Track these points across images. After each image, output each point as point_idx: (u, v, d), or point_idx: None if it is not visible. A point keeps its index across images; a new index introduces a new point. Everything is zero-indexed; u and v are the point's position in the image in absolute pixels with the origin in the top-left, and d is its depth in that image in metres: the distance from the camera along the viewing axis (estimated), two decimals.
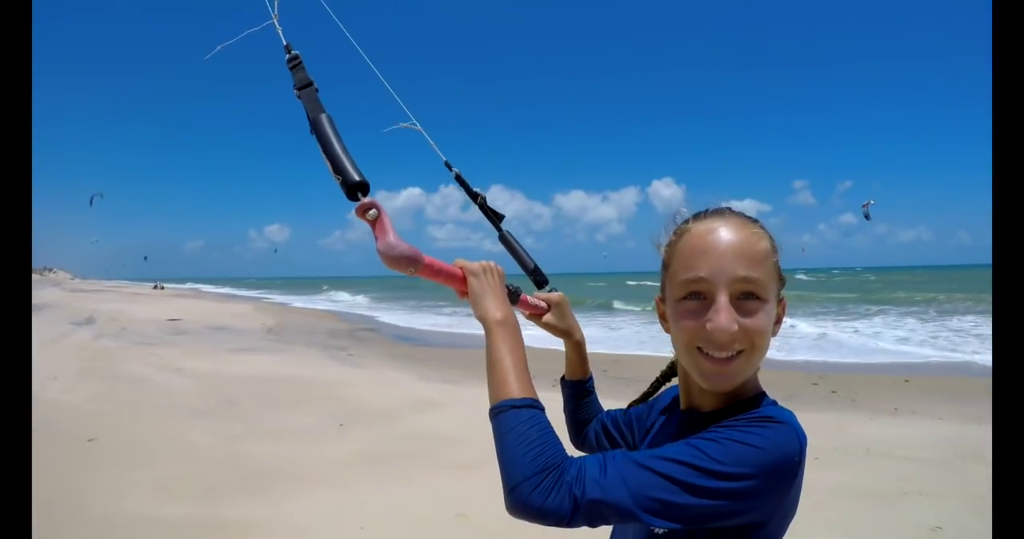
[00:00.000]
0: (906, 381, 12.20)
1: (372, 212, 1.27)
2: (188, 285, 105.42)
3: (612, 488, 0.99)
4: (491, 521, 4.61)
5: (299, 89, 1.47)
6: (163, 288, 75.09)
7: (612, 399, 1.95)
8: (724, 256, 1.13)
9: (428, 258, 1.33)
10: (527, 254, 1.81)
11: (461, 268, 1.38)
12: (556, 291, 1.76)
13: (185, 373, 11.84)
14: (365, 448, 6.93)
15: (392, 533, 4.77)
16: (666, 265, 1.26)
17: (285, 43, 1.58)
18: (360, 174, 1.30)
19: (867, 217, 18.61)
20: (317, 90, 1.48)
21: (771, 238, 1.21)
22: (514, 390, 1.16)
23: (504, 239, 1.83)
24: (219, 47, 1.83)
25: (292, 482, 5.82)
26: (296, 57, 1.54)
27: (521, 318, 1.49)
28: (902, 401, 10.26)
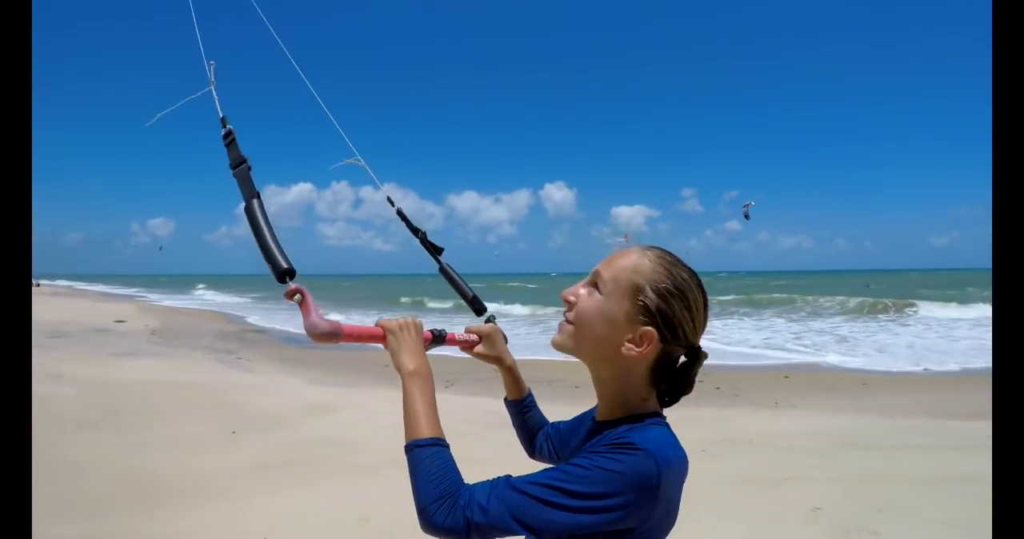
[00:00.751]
0: (786, 377, 12.99)
1: (298, 296, 1.42)
2: (63, 282, 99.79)
3: (494, 511, 1.19)
4: (393, 524, 4.62)
5: (234, 168, 1.59)
6: (39, 285, 70.35)
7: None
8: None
9: (347, 327, 1.48)
10: (466, 285, 1.97)
11: (381, 327, 1.52)
12: (493, 320, 1.92)
13: (65, 380, 11.14)
14: (261, 456, 6.80)
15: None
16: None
17: (221, 116, 1.68)
18: (288, 261, 1.44)
19: (747, 217, 19.44)
20: (250, 168, 1.59)
21: (674, 281, 1.37)
22: (423, 431, 1.35)
23: (444, 271, 1.99)
24: (159, 115, 2.02)
25: (188, 495, 5.63)
26: (231, 133, 1.65)
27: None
28: (782, 396, 10.89)
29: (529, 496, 1.20)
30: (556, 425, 1.78)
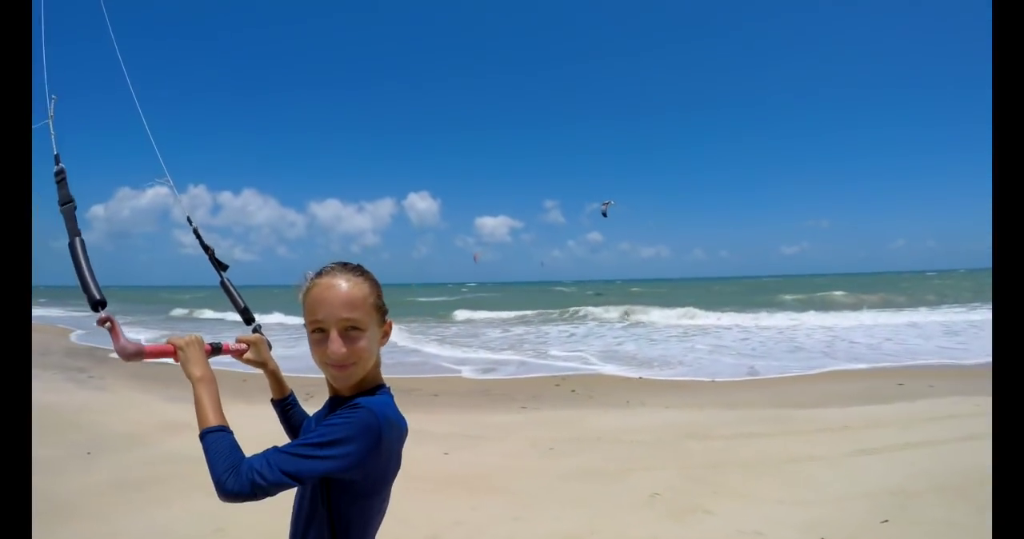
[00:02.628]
0: (640, 378, 13.70)
1: (108, 324, 1.78)
2: None
3: (268, 472, 1.52)
4: (249, 533, 4.78)
5: (61, 205, 1.95)
6: None
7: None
8: (333, 304, 1.69)
9: (148, 347, 1.83)
10: (240, 298, 2.32)
11: (172, 344, 1.84)
12: (259, 330, 2.25)
13: None
14: (117, 475, 6.67)
15: None
16: (303, 308, 1.77)
17: (55, 153, 2.02)
18: (100, 293, 1.81)
19: (604, 215, 20.18)
20: (75, 207, 1.95)
21: (371, 283, 1.78)
22: (211, 421, 1.67)
23: (223, 285, 2.35)
24: None
25: (48, 516, 5.42)
26: (62, 171, 2.00)
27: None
28: (634, 396, 11.50)
29: (291, 454, 1.55)
30: (316, 414, 2.07)
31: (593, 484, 6.24)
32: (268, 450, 1.59)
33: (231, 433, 1.67)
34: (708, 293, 62.12)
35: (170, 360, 1.87)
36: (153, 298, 70.66)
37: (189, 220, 2.37)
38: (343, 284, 1.72)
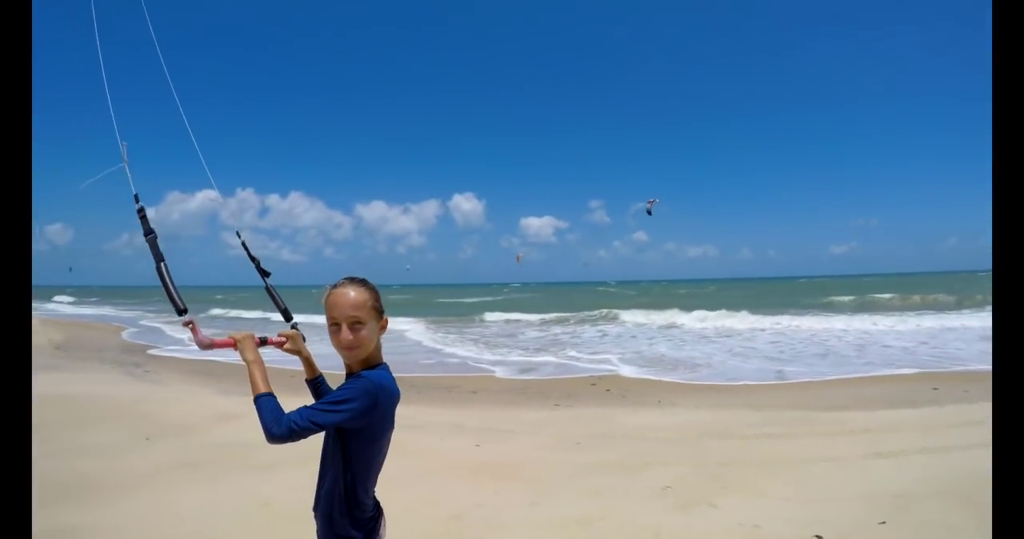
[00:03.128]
0: (673, 381, 13.96)
1: (189, 325, 2.44)
2: None
3: (299, 420, 2.18)
4: (292, 507, 5.18)
5: (145, 236, 2.61)
6: None
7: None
8: (342, 305, 2.37)
9: (217, 341, 2.51)
10: (281, 299, 2.94)
11: (232, 338, 2.49)
12: (296, 327, 2.85)
13: None
14: (174, 458, 7.30)
15: (207, 524, 5.33)
16: (324, 308, 2.40)
17: (135, 193, 2.65)
18: (182, 303, 2.50)
19: (649, 213, 20.14)
20: (157, 237, 2.60)
21: (370, 292, 2.45)
22: (260, 389, 2.32)
23: (267, 289, 2.97)
24: (85, 183, 3.02)
25: (113, 491, 6.13)
26: (142, 209, 2.64)
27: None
28: (667, 396, 11.76)
29: (315, 409, 2.24)
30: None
31: (610, 476, 6.55)
32: (300, 408, 2.26)
33: (275, 397, 2.31)
34: (753, 294, 61.28)
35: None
36: (203, 298, 72.62)
37: (238, 234, 2.96)
38: (351, 293, 2.41)
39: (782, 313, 31.85)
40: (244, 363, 2.44)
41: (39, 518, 5.32)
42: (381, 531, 2.57)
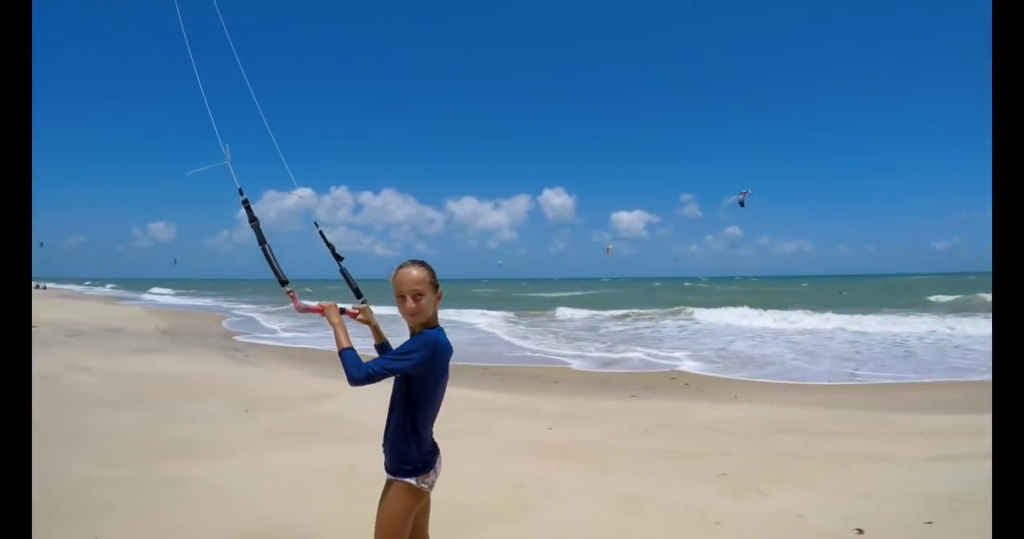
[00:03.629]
0: (753, 379, 13.93)
1: (290, 293, 3.16)
2: (73, 286, 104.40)
3: (375, 367, 2.83)
4: (375, 471, 5.67)
5: (250, 222, 3.32)
6: (45, 288, 71.46)
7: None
8: (406, 281, 2.99)
9: (312, 307, 3.21)
10: (352, 280, 3.53)
11: (321, 306, 3.20)
12: (366, 302, 3.43)
13: (92, 372, 12.37)
14: (270, 428, 8.05)
15: (296, 480, 6.01)
16: (392, 284, 3.04)
17: (239, 187, 3.36)
18: (284, 275, 3.25)
19: (742, 205, 19.94)
20: (259, 223, 3.32)
21: (428, 270, 3.06)
22: (343, 344, 2.97)
23: (342, 271, 3.55)
24: (190, 172, 3.67)
25: (215, 450, 6.94)
26: (247, 200, 3.37)
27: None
28: (744, 392, 11.83)
29: (388, 359, 2.91)
30: None
31: (671, 462, 6.82)
32: (376, 358, 3.01)
33: (355, 351, 2.97)
34: (847, 292, 59.65)
35: (319, 316, 3.25)
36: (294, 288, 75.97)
37: (316, 224, 3.60)
38: (413, 271, 3.03)
39: (874, 312, 30.90)
40: (331, 326, 3.12)
41: (155, 472, 6.07)
42: (437, 466, 3.14)
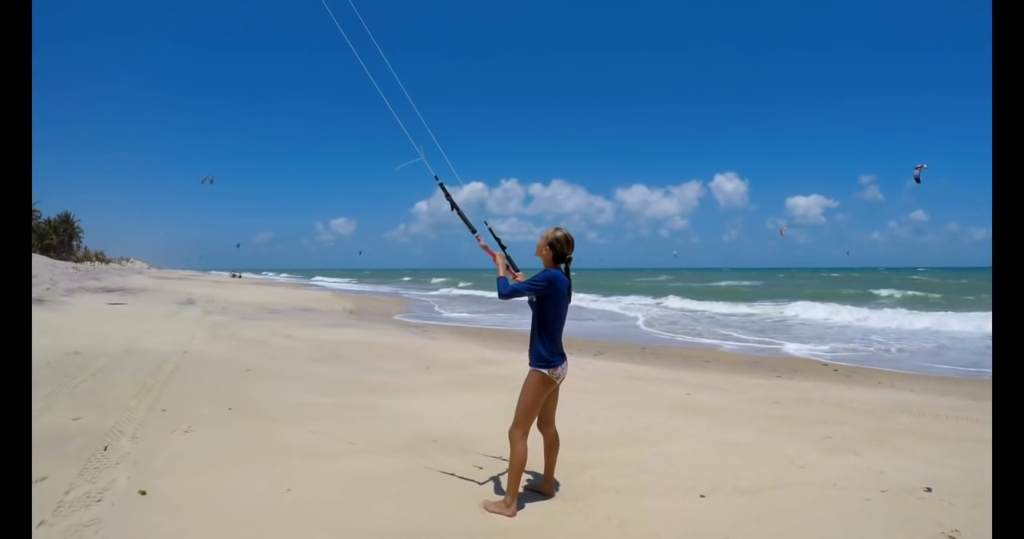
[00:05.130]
0: (901, 370, 13.75)
1: (478, 237, 5.04)
2: (270, 275, 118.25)
3: (518, 286, 4.57)
4: None
5: (452, 208, 5.10)
6: (240, 277, 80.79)
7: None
8: (538, 241, 4.75)
9: (489, 250, 4.97)
10: (513, 263, 5.03)
11: (495, 256, 4.91)
12: (518, 272, 5.01)
13: (294, 338, 14.71)
14: (446, 379, 9.88)
15: (466, 411, 7.62)
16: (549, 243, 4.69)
17: (437, 179, 5.21)
18: (473, 227, 5.08)
19: (918, 180, 19.10)
20: (451, 194, 5.07)
21: (544, 236, 4.69)
22: (501, 273, 4.73)
23: (507, 257, 4.98)
24: (399, 167, 5.53)
25: (396, 392, 8.77)
26: (442, 183, 5.15)
27: None
28: (887, 379, 11.93)
29: (525, 283, 4.57)
30: None
31: (785, 424, 7.53)
32: (520, 282, 4.64)
33: (507, 277, 4.62)
34: None
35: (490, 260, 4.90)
36: (469, 276, 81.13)
37: (485, 223, 5.13)
38: (542, 234, 4.68)
39: None
40: (497, 266, 4.78)
41: (355, 401, 7.79)
42: (563, 366, 4.58)
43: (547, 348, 4.49)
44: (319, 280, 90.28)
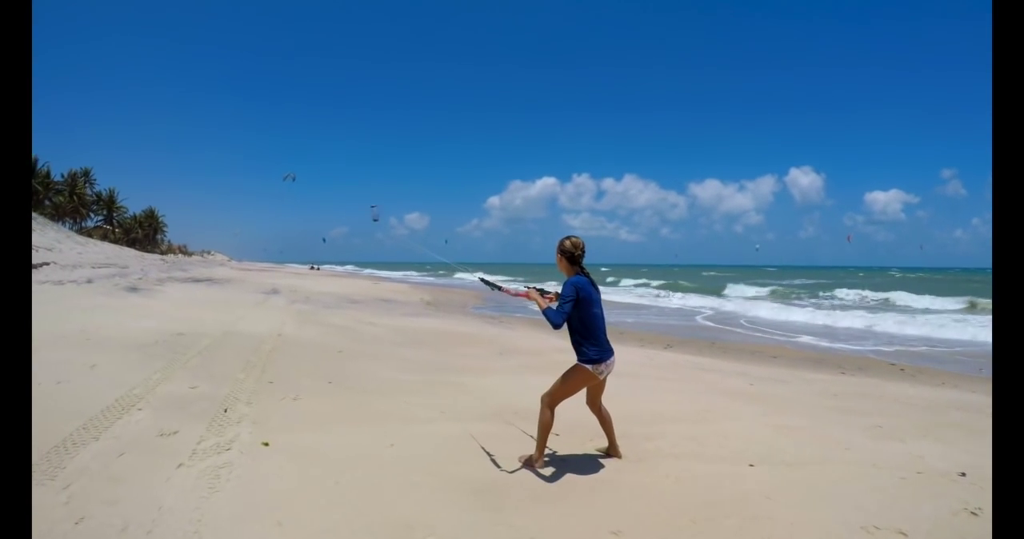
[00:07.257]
0: (979, 370, 13.61)
1: (503, 291, 5.75)
2: (350, 267, 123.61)
3: (562, 311, 4.84)
4: (570, 403, 6.51)
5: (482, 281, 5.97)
6: (319, 269, 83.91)
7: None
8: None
9: (521, 293, 5.39)
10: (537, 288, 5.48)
11: (527, 294, 5.27)
12: (549, 292, 5.38)
13: (378, 326, 15.75)
14: (521, 364, 10.71)
15: (543, 391, 8.04)
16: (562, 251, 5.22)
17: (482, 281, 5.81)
18: (497, 285, 5.88)
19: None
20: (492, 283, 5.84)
21: (558, 248, 5.20)
22: (543, 306, 4.96)
23: (534, 288, 5.44)
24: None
25: (476, 372, 9.64)
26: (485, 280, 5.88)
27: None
28: (952, 380, 12.04)
29: (560, 305, 4.88)
30: None
31: (839, 414, 7.81)
32: (558, 307, 4.86)
33: (551, 308, 4.84)
34: None
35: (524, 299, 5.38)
36: (532, 272, 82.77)
37: (488, 283, 7.15)
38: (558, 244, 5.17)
39: None
40: (533, 301, 5.13)
41: (440, 379, 8.77)
42: (608, 362, 5.07)
43: (595, 351, 4.98)
44: (396, 273, 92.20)
